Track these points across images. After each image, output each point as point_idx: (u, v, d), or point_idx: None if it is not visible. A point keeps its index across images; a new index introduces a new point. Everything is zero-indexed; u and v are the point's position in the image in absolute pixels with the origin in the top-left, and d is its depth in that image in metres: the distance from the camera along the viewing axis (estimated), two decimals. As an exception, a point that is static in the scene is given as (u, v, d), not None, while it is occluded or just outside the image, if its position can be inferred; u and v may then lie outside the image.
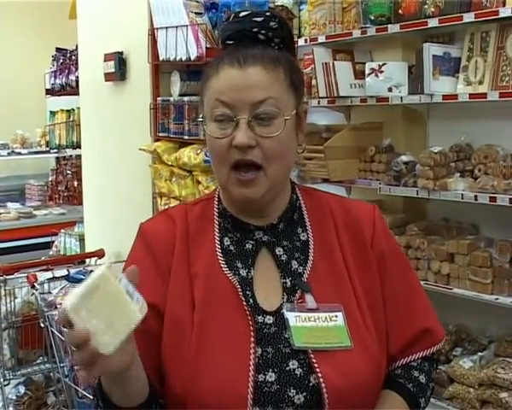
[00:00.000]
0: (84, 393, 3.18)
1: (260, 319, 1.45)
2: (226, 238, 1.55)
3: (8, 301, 3.72)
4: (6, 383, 3.79)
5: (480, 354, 3.29)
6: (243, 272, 1.50)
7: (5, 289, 3.72)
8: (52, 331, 3.36)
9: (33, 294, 3.58)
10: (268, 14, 1.53)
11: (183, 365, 1.42)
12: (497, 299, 3.13)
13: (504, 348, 3.25)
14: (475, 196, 3.11)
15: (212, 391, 1.38)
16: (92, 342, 1.15)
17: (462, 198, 3.17)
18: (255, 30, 1.51)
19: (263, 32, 1.51)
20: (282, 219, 1.56)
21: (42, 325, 3.45)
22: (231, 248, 1.53)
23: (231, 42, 1.53)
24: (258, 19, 1.51)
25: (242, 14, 1.53)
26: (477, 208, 3.30)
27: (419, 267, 3.39)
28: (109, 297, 1.18)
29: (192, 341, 1.43)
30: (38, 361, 3.90)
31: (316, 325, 1.45)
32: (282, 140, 1.47)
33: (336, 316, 1.46)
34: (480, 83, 3.22)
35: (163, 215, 1.64)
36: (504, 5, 2.99)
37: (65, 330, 1.20)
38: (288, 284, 1.50)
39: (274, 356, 1.42)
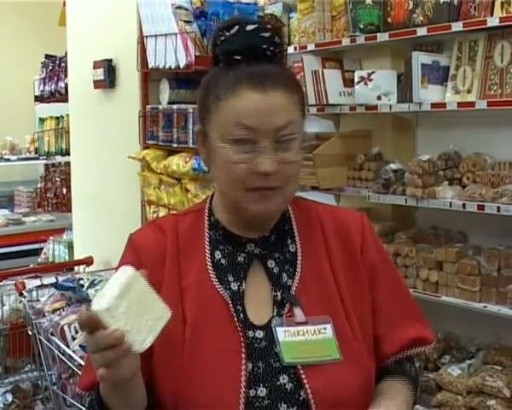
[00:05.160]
0: (72, 401, 3.17)
1: (251, 333, 1.45)
2: (217, 251, 1.53)
3: (-5, 308, 3.71)
4: (-7, 390, 3.78)
5: (468, 361, 3.30)
6: (234, 286, 1.49)
7: (-7, 297, 3.70)
8: (40, 339, 3.34)
9: (21, 301, 3.57)
10: (269, 26, 1.51)
11: (174, 380, 1.41)
12: (485, 307, 3.14)
13: (492, 355, 3.26)
14: (463, 205, 3.12)
15: (203, 406, 1.38)
16: (126, 341, 1.19)
17: (451, 206, 3.18)
18: (264, 46, 1.48)
19: (271, 48, 1.49)
20: (273, 231, 1.56)
21: (30, 333, 3.44)
22: (222, 261, 1.52)
23: (239, 57, 1.48)
24: (266, 34, 1.48)
25: (249, 27, 1.48)
26: (465, 216, 3.31)
27: (407, 275, 3.40)
28: (141, 296, 1.22)
29: (183, 356, 1.42)
30: (26, 369, 3.88)
31: (305, 338, 1.45)
32: (297, 162, 1.47)
33: (325, 328, 1.46)
34: (469, 92, 3.23)
35: (153, 226, 1.61)
36: (492, 15, 3.01)
37: (86, 334, 1.22)
38: (279, 297, 1.50)
39: (265, 371, 1.42)
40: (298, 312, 1.47)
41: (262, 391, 1.40)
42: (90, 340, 1.22)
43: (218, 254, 1.53)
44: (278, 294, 1.50)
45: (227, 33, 1.50)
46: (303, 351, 1.43)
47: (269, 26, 1.51)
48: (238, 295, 1.48)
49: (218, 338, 1.43)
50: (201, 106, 1.52)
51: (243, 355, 1.41)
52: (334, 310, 1.49)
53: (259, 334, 1.45)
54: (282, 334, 1.44)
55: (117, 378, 1.25)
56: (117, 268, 1.55)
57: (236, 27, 1.49)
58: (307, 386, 1.39)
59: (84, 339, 1.23)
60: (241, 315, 1.46)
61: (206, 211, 1.59)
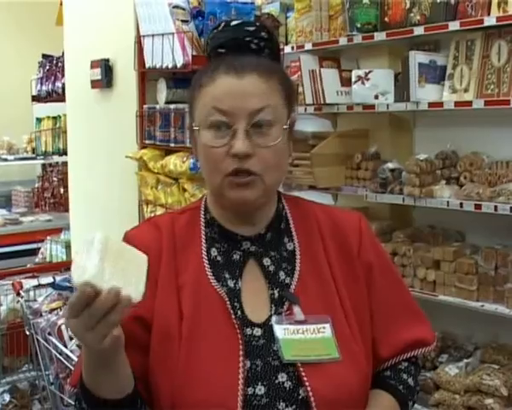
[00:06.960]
0: (70, 401, 3.16)
1: (249, 331, 1.45)
2: (213, 249, 1.53)
3: (-7, 308, 3.71)
4: (-9, 391, 3.78)
5: (465, 360, 3.29)
6: (231, 283, 1.49)
7: (-10, 297, 3.71)
8: (37, 339, 3.34)
9: (19, 301, 3.57)
10: (258, 24, 1.54)
11: (172, 377, 1.41)
12: (482, 306, 3.14)
13: (490, 354, 3.26)
14: (461, 204, 3.12)
15: (201, 404, 1.37)
16: (124, 296, 1.20)
17: (448, 205, 3.17)
18: (248, 39, 1.51)
19: (255, 41, 1.51)
20: (269, 228, 1.55)
21: (27, 333, 3.43)
22: (219, 258, 1.52)
23: (223, 50, 1.52)
24: (251, 28, 1.52)
25: (234, 23, 1.53)
26: (463, 216, 3.31)
27: (405, 274, 3.40)
28: (118, 253, 1.25)
29: (180, 353, 1.42)
30: (24, 369, 3.88)
31: (304, 337, 1.44)
32: (278, 150, 1.47)
33: (324, 328, 1.46)
34: (466, 91, 3.23)
35: (149, 224, 1.62)
36: (489, 14, 3.01)
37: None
38: (276, 295, 1.49)
39: (263, 369, 1.41)
40: (297, 310, 1.46)
41: (260, 389, 1.39)
42: (87, 315, 1.19)
43: (214, 252, 1.53)
44: (275, 292, 1.49)
45: (215, 31, 1.55)
46: (302, 349, 1.43)
47: (257, 23, 1.55)
48: (235, 292, 1.48)
49: (215, 335, 1.43)
50: (189, 98, 1.56)
51: (241, 352, 1.41)
52: (333, 310, 1.49)
53: (257, 332, 1.45)
54: (282, 331, 1.44)
55: (120, 343, 1.27)
56: None
57: (223, 24, 1.54)
58: (307, 384, 1.39)
59: (73, 323, 1.22)
60: (239, 312, 1.45)
61: (202, 208, 1.59)
